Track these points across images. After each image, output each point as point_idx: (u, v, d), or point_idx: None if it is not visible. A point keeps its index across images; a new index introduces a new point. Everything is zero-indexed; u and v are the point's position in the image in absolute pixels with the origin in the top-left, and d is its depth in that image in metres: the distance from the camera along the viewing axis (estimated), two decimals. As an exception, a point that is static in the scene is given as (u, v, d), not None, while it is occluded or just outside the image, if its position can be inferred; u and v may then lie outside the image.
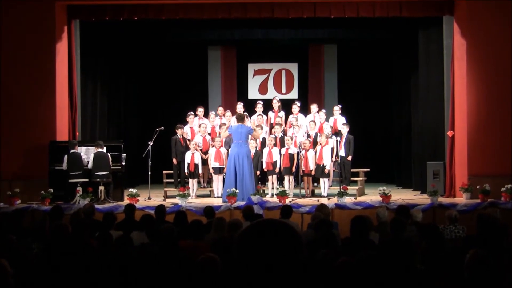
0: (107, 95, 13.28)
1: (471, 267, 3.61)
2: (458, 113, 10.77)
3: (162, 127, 11.18)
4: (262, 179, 11.27)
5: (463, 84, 10.68)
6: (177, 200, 9.83)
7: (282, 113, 12.02)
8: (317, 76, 15.42)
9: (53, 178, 10.26)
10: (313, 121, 11.57)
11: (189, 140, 11.44)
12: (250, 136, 10.44)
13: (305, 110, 12.57)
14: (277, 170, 10.84)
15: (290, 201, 9.69)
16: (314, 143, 11.16)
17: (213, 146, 11.18)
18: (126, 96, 14.35)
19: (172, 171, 11.73)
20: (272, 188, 10.85)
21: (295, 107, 11.88)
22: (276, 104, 12.06)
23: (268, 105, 12.30)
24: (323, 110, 11.95)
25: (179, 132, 11.53)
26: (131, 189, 10.13)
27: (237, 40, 14.62)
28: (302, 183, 10.90)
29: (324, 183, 10.87)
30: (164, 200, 10.45)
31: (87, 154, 10.43)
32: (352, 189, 10.79)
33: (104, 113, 13.11)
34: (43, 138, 10.47)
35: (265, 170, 10.90)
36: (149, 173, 10.81)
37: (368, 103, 15.26)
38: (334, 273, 3.58)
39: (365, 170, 11.93)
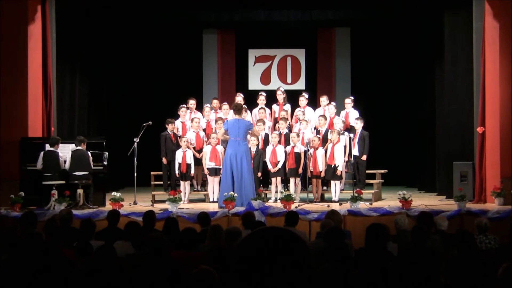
0: (87, 85, 13.26)
1: (505, 282, 3.60)
2: (490, 106, 10.74)
3: (150, 122, 11.17)
4: (264, 181, 11.26)
5: (495, 73, 10.65)
6: (167, 206, 9.83)
7: (287, 106, 12.00)
8: (327, 64, 15.42)
9: (25, 179, 10.26)
10: (323, 115, 11.56)
11: (180, 137, 11.43)
12: (249, 132, 10.43)
13: (313, 103, 12.56)
14: (278, 169, 10.82)
15: (296, 207, 9.69)
16: (324, 140, 11.16)
17: (208, 144, 11.17)
18: (109, 86, 14.34)
19: (161, 172, 11.73)
20: (276, 192, 10.85)
21: (302, 100, 11.86)
22: (280, 96, 12.04)
23: (271, 97, 12.29)
24: (334, 103, 11.94)
25: (169, 127, 11.52)
26: (114, 193, 10.12)
27: (236, 22, 14.60)
28: (310, 186, 10.90)
29: (335, 186, 10.87)
30: (152, 205, 10.46)
31: (64, 152, 10.41)
32: (367, 193, 10.79)
33: (84, 105, 13.11)
34: (14, 134, 10.46)
35: (269, 170, 10.89)
36: (135, 174, 10.81)
37: (385, 94, 15.25)
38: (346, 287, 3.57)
39: (382, 171, 11.93)
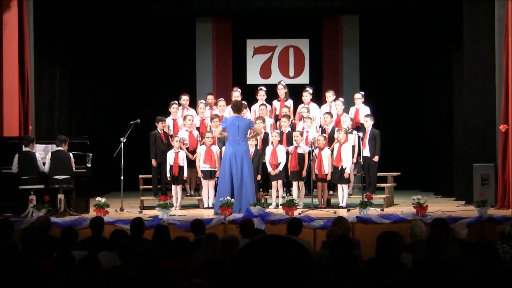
0: (68, 80, 13.26)
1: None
2: (513, 102, 10.75)
3: (138, 120, 11.16)
4: (264, 185, 11.26)
5: (520, 65, 10.66)
6: (157, 212, 9.83)
7: (290, 102, 12.01)
8: (333, 56, 15.43)
9: (-1, 184, 10.26)
10: (329, 112, 11.57)
11: (171, 136, 11.44)
12: (249, 131, 10.43)
13: (318, 99, 12.56)
14: (279, 171, 10.83)
15: (299, 213, 9.70)
16: (331, 140, 11.16)
17: (202, 144, 11.17)
18: (93, 81, 14.35)
19: (150, 175, 11.74)
20: (277, 197, 10.85)
21: (306, 95, 11.87)
22: (282, 91, 12.05)
23: (271, 92, 12.30)
24: (341, 99, 11.94)
25: (159, 126, 11.52)
26: (98, 198, 10.12)
27: (233, 9, 14.62)
28: (314, 190, 10.90)
29: (342, 190, 10.87)
30: (141, 212, 10.46)
31: (42, 153, 10.40)
32: (378, 198, 10.79)
33: (65, 102, 13.11)
34: (-13, 134, 10.48)
35: (269, 173, 10.90)
36: (122, 177, 10.80)
37: (397, 89, 15.26)
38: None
39: (395, 174, 11.94)
